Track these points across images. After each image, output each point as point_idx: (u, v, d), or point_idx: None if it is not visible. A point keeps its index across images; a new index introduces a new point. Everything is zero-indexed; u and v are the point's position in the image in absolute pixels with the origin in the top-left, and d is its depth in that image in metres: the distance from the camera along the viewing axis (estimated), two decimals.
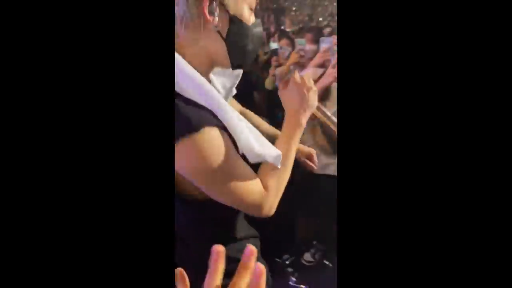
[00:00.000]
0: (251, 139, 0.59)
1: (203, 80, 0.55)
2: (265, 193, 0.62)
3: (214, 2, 0.54)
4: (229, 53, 0.59)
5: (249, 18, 0.58)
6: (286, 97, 0.67)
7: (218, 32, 0.56)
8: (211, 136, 0.54)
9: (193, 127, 0.52)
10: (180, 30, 0.55)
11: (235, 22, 0.56)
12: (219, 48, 0.58)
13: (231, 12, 0.56)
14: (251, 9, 0.59)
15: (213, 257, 0.34)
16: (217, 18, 0.55)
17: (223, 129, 0.56)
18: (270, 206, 0.63)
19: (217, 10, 0.54)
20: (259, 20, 0.61)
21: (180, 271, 0.37)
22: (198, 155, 0.53)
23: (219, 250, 0.34)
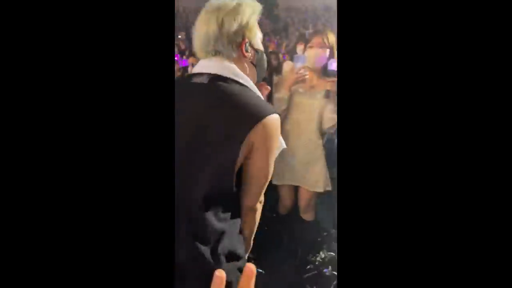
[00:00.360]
0: None
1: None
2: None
3: (246, 44, 0.81)
4: (257, 74, 0.87)
5: (262, 47, 0.88)
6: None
7: (250, 61, 0.84)
8: (278, 119, 0.80)
9: (270, 111, 0.78)
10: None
11: (258, 52, 0.85)
12: (251, 71, 0.85)
13: (255, 47, 0.84)
14: (261, 40, 0.87)
15: (215, 282, 0.35)
16: (250, 54, 0.83)
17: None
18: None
19: (249, 48, 0.82)
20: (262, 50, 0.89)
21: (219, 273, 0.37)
22: (275, 129, 0.79)
23: (221, 275, 0.35)
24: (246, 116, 0.76)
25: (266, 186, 0.84)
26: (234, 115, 0.77)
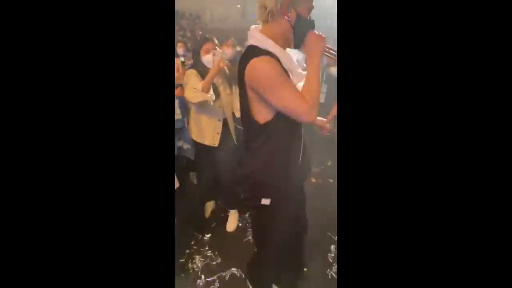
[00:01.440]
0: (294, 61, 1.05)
1: (273, 44, 1.01)
2: (308, 104, 0.97)
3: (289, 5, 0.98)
4: (294, 35, 1.02)
5: (308, 16, 1.02)
6: (311, 45, 1.03)
7: (289, 22, 1.00)
8: (269, 59, 0.96)
9: (261, 53, 0.98)
10: (267, 18, 1.01)
11: (300, 17, 1.00)
12: (288, 32, 1.02)
13: (297, 11, 1.00)
14: (309, 10, 1.02)
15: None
16: (290, 14, 0.99)
17: (278, 60, 0.99)
18: (314, 114, 0.98)
19: (291, 9, 0.99)
20: (312, 19, 1.05)
21: None
22: (266, 66, 0.95)
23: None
24: (240, 66, 1.01)
25: (307, 110, 0.97)
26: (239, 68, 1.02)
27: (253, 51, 0.99)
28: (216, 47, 1.88)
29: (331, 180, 2.77)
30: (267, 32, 1.02)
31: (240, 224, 2.25)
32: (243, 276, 1.78)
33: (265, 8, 0.99)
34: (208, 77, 1.75)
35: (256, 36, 1.01)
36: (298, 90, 0.99)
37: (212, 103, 1.86)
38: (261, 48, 0.99)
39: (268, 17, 1.00)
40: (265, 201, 1.10)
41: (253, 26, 1.05)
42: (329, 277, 1.79)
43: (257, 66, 0.95)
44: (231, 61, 2.11)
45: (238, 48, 2.40)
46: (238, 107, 1.98)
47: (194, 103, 1.82)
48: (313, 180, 2.80)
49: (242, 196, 1.18)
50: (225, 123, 1.98)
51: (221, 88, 1.94)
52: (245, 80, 0.98)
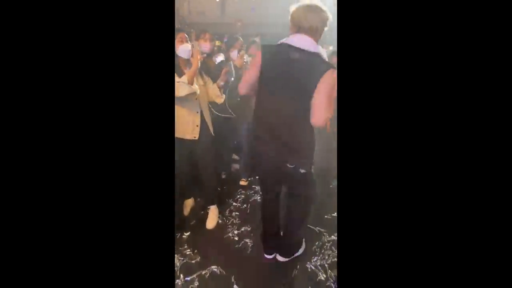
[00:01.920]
0: None
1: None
2: (327, 116, 1.35)
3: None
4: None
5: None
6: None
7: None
8: (335, 73, 1.29)
9: (332, 67, 1.32)
10: (317, 34, 1.40)
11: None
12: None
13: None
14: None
15: None
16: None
17: None
18: (324, 122, 1.37)
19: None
20: None
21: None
22: (334, 78, 1.31)
23: None
24: (319, 67, 1.31)
25: (326, 118, 1.34)
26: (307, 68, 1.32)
27: (321, 61, 1.33)
28: (186, 35, 1.86)
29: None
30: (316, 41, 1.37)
31: (220, 221, 2.23)
32: (224, 273, 1.77)
33: (316, 30, 1.35)
34: (192, 69, 1.77)
35: (318, 48, 1.35)
36: (332, 104, 1.34)
37: (197, 93, 1.85)
38: (324, 59, 1.35)
39: (317, 33, 1.36)
40: (302, 170, 1.56)
41: (305, 36, 1.34)
42: (309, 270, 1.81)
43: (333, 77, 1.29)
44: (208, 54, 2.07)
45: (217, 43, 2.36)
46: (218, 93, 2.01)
47: (180, 97, 1.78)
48: None
49: (288, 164, 1.52)
50: (201, 115, 1.96)
51: (194, 80, 1.91)
52: (320, 80, 1.29)
